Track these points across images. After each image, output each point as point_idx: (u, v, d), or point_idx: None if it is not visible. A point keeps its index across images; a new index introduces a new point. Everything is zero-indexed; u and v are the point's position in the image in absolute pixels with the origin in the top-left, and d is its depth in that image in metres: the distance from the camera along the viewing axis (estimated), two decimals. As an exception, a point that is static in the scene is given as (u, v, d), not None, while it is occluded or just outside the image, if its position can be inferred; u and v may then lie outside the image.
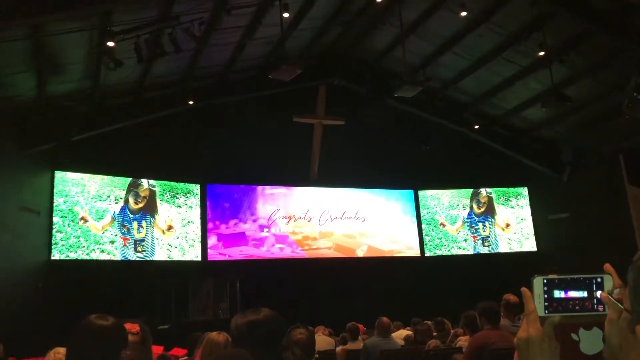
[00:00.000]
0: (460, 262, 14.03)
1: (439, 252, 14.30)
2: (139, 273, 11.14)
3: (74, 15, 7.57)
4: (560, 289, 1.06)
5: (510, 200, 14.88)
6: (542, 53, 10.06)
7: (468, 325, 5.33)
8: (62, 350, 2.55)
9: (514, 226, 14.72)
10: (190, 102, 11.45)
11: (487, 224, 14.66)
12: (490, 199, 14.83)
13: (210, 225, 12.71)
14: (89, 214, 11.14)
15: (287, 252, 13.28)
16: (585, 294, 1.06)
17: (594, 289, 1.05)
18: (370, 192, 14.37)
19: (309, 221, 13.62)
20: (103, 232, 11.24)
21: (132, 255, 11.50)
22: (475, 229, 14.58)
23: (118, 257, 11.30)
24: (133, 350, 2.53)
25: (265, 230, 13.20)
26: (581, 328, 1.05)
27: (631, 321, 0.94)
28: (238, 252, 12.84)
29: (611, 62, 10.17)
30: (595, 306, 1.05)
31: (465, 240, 14.47)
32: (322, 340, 7.64)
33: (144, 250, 11.66)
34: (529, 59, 10.73)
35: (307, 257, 13.40)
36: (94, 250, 11.00)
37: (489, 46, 10.84)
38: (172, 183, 12.36)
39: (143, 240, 11.70)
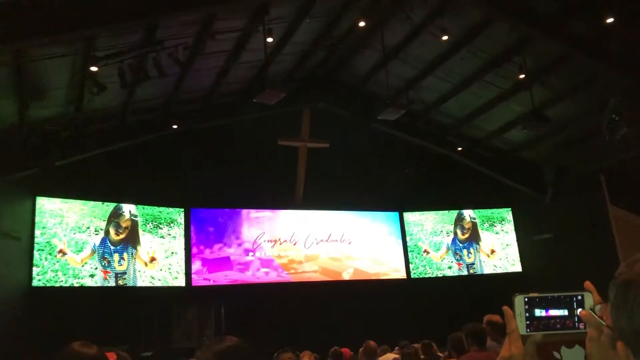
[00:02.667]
0: (446, 284, 14.01)
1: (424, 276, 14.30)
2: (122, 299, 10.95)
3: (58, 40, 7.56)
4: (541, 307, 1.07)
5: (495, 226, 14.88)
6: (522, 76, 10.23)
7: (455, 347, 5.30)
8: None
9: (499, 252, 14.68)
10: (174, 127, 11.42)
11: (471, 250, 14.61)
12: (474, 225, 14.81)
13: (194, 250, 12.58)
14: (68, 247, 10.87)
15: (273, 276, 13.17)
16: (566, 312, 1.06)
17: (575, 306, 1.06)
18: (356, 214, 14.35)
19: (294, 244, 13.55)
20: (82, 265, 10.97)
21: (113, 289, 11.29)
22: (460, 256, 14.52)
23: (99, 288, 11.11)
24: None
25: (251, 254, 13.09)
26: (563, 346, 1.05)
27: (613, 338, 0.94)
28: (223, 277, 12.71)
29: (590, 84, 10.36)
30: (577, 324, 1.05)
31: (450, 268, 14.40)
32: (309, 365, 7.53)
33: (126, 284, 11.42)
34: (509, 81, 10.91)
35: (292, 280, 13.30)
36: (72, 285, 10.76)
37: (471, 69, 11.01)
38: (155, 213, 12.17)
39: (125, 272, 11.43)
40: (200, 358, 2.14)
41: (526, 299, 1.07)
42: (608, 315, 0.97)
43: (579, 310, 1.04)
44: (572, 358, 1.04)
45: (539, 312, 1.06)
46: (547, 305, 1.07)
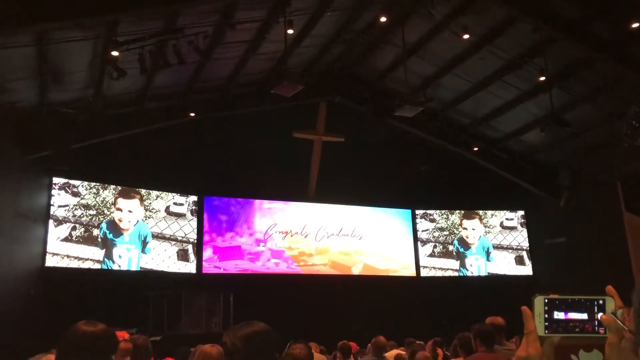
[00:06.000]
0: (455, 283, 13.98)
1: (433, 273, 14.27)
2: (133, 283, 11.06)
3: (81, 24, 7.62)
4: (560, 309, 1.06)
5: (507, 228, 14.80)
6: (542, 78, 10.12)
7: (463, 347, 5.28)
8: (52, 358, 2.53)
9: (510, 254, 14.62)
10: (192, 114, 11.46)
11: (482, 251, 14.56)
12: (486, 226, 14.77)
13: (206, 237, 12.66)
14: (80, 229, 11.01)
15: (283, 268, 13.22)
16: (585, 316, 1.05)
17: (596, 310, 1.05)
18: (368, 209, 14.34)
19: (305, 237, 13.57)
20: (95, 248, 11.09)
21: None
22: (470, 256, 14.48)
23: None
24: (127, 357, 2.51)
25: (262, 244, 13.14)
26: (581, 350, 1.04)
27: (635, 343, 0.94)
28: (233, 266, 12.78)
29: (611, 89, 10.23)
30: (597, 328, 1.04)
31: (460, 267, 14.38)
32: (317, 358, 7.56)
33: (136, 268, 11.53)
34: (529, 83, 10.80)
35: (302, 273, 13.34)
36: (83, 266, 10.88)
37: (490, 69, 10.91)
38: (169, 199, 12.28)
39: (135, 257, 11.54)
40: (227, 340, 2.16)
41: (546, 300, 1.06)
42: (630, 321, 0.96)
43: (600, 314, 1.03)
44: (590, 362, 1.04)
45: (558, 314, 1.06)
46: (566, 307, 1.06)
